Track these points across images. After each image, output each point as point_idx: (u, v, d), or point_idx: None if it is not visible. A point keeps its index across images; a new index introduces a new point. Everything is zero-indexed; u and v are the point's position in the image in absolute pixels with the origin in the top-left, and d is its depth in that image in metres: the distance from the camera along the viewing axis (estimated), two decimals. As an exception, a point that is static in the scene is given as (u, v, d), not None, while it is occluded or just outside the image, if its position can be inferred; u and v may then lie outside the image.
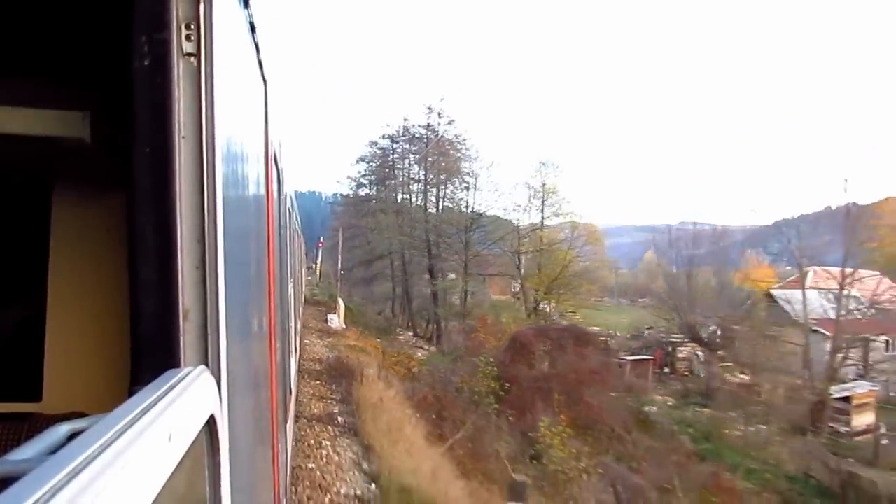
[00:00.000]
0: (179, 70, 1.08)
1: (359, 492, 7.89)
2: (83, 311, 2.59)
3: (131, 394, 0.84)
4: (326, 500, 7.48)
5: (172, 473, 0.75)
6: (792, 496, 17.89)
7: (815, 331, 35.91)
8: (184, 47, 1.08)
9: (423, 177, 49.21)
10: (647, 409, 26.26)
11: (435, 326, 43.44)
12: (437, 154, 47.86)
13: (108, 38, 1.41)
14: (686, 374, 36.43)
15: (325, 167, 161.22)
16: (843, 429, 25.72)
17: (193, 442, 0.86)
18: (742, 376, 33.59)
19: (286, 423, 4.44)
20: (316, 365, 15.13)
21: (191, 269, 1.10)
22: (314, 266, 45.06)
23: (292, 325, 6.71)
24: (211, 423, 0.99)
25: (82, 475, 0.57)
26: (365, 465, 8.95)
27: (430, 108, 48.38)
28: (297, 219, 10.40)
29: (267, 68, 2.14)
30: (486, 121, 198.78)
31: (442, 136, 47.47)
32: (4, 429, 2.31)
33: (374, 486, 8.15)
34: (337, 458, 8.98)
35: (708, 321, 36.37)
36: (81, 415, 0.89)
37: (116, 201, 2.58)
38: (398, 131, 49.88)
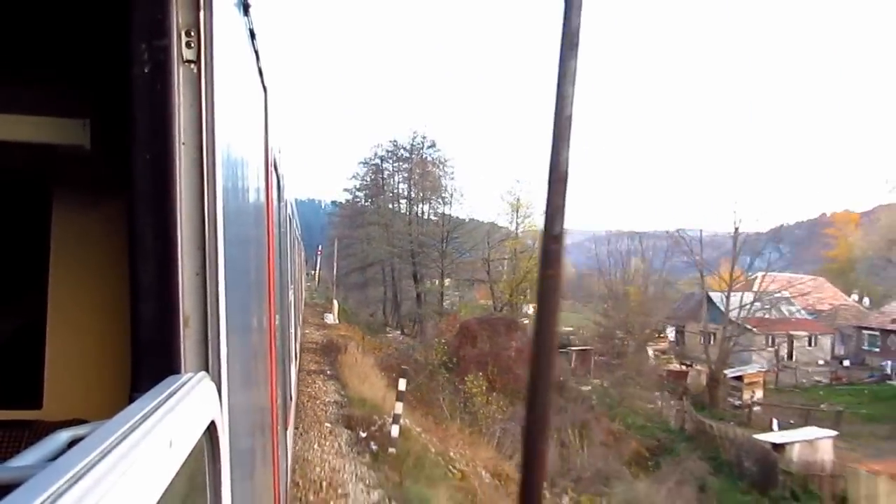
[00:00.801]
0: (179, 77, 1.09)
1: (335, 399, 14.14)
2: (83, 318, 2.60)
3: (132, 400, 0.85)
4: (318, 402, 13.72)
5: (173, 480, 0.76)
6: (665, 440, 24.75)
7: (744, 327, 42.23)
8: (184, 54, 1.09)
9: (408, 193, 55.92)
10: (582, 387, 32.54)
11: (419, 325, 49.62)
12: (421, 173, 54.45)
13: (108, 46, 1.42)
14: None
15: (324, 176, 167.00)
16: (736, 402, 32.45)
17: (194, 448, 0.87)
18: (680, 365, 39.95)
19: (286, 429, 4.54)
20: (313, 345, 21.14)
21: (191, 276, 1.11)
22: (313, 272, 50.43)
23: (292, 331, 6.86)
24: (211, 429, 1.00)
25: (83, 481, 0.57)
26: (341, 392, 15.17)
27: (414, 133, 55.15)
28: (297, 226, 10.69)
29: (267, 75, 2.18)
30: (471, 133, 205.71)
31: (425, 158, 54.38)
32: (5, 436, 2.31)
33: (345, 398, 14.40)
34: (325, 388, 15.21)
35: (651, 320, 42.63)
36: (82, 422, 0.92)
37: (116, 207, 2.56)
38: (388, 152, 56.44)
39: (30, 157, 2.33)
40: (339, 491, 8.49)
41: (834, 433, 25.41)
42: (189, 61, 1.10)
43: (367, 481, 9.08)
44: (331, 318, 30.15)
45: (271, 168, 2.50)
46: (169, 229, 1.08)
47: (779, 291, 47.21)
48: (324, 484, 8.63)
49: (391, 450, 10.47)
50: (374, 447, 10.76)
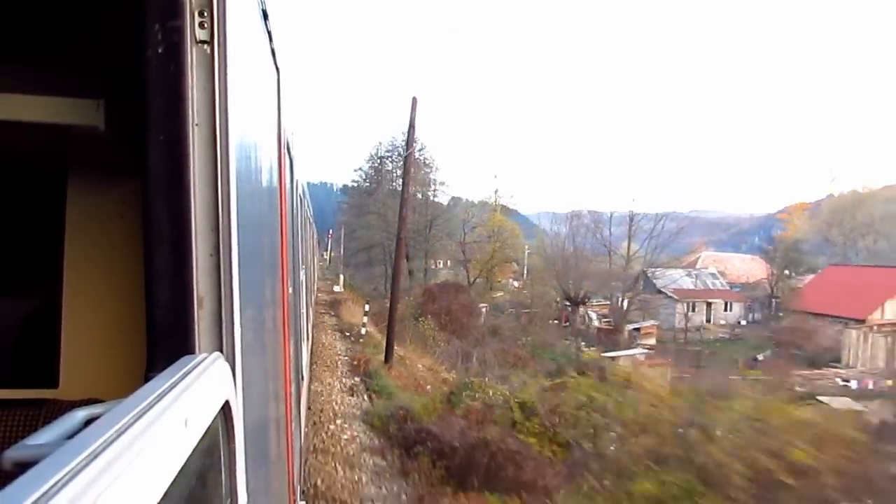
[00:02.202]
0: (193, 57, 1.08)
1: (334, 323, 25.73)
2: (99, 299, 2.62)
3: (147, 380, 0.85)
4: (325, 325, 25.20)
5: (188, 458, 0.77)
6: (557, 363, 36.33)
7: (668, 296, 53.09)
8: (197, 35, 1.09)
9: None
10: (524, 338, 43.85)
11: (409, 296, 61.15)
12: (413, 170, 65.69)
13: (122, 26, 1.41)
14: (580, 326, 53.26)
15: (336, 159, 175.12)
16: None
17: (209, 427, 0.88)
18: (610, 324, 51.07)
19: (300, 409, 4.54)
20: (323, 302, 32.43)
21: (205, 257, 1.12)
22: (324, 253, 58.05)
23: (304, 311, 6.93)
24: (226, 408, 1.01)
25: (99, 459, 0.58)
26: (339, 321, 26.63)
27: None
28: (309, 207, 10.84)
29: (280, 57, 2.17)
30: (464, 127, 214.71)
31: (417, 158, 65.56)
32: (22, 415, 2.34)
33: (341, 323, 25.93)
34: (330, 319, 26.71)
35: (589, 291, 53.48)
36: (98, 401, 0.92)
37: (131, 189, 2.59)
38: (387, 151, 67.59)
39: (45, 139, 2.31)
40: (333, 347, 19.96)
41: (646, 351, 39.40)
42: (202, 42, 1.10)
43: (347, 347, 20.45)
44: (338, 288, 41.06)
45: (284, 150, 2.51)
46: (183, 211, 1.08)
47: (706, 268, 58.14)
48: (327, 345, 20.09)
49: (361, 340, 21.90)
50: (352, 339, 22.15)
